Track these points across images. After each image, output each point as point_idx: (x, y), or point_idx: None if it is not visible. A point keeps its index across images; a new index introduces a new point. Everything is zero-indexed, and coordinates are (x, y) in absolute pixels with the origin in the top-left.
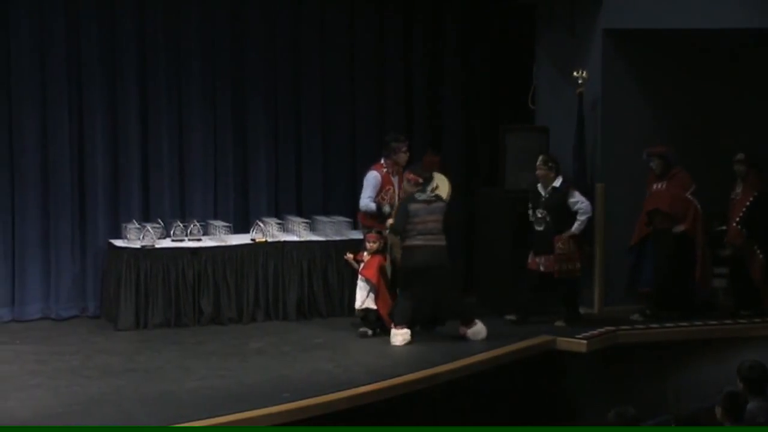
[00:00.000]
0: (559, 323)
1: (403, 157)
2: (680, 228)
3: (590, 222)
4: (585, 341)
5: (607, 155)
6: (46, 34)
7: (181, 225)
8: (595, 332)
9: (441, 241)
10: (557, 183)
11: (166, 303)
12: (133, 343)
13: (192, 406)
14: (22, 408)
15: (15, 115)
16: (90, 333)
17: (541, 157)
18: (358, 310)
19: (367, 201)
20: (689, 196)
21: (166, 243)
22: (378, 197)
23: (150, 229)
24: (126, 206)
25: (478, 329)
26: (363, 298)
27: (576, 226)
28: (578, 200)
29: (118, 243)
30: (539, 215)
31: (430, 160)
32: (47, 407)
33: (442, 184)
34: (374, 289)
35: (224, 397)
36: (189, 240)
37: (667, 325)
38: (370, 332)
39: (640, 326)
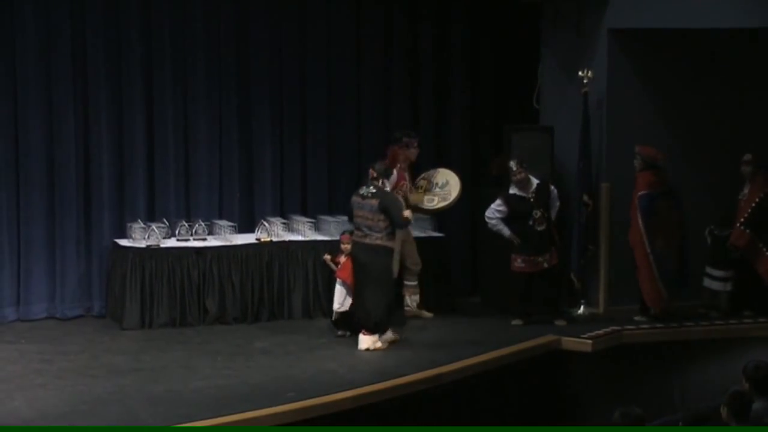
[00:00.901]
0: (560, 322)
1: (414, 153)
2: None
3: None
4: (590, 341)
5: (612, 155)
6: (52, 34)
7: (186, 225)
8: (600, 332)
9: (369, 239)
10: (537, 181)
11: (171, 302)
12: (139, 342)
13: (197, 405)
14: (27, 407)
15: (20, 115)
16: (95, 332)
17: (515, 161)
18: (336, 312)
19: None
20: (636, 200)
21: (171, 243)
22: (393, 193)
23: (155, 229)
24: (131, 206)
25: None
26: (341, 300)
27: (555, 214)
28: (554, 189)
29: (124, 243)
30: (536, 216)
31: (395, 152)
32: (52, 407)
33: (452, 181)
34: (350, 291)
35: (229, 397)
36: (194, 240)
37: (672, 324)
38: (348, 334)
39: (645, 326)
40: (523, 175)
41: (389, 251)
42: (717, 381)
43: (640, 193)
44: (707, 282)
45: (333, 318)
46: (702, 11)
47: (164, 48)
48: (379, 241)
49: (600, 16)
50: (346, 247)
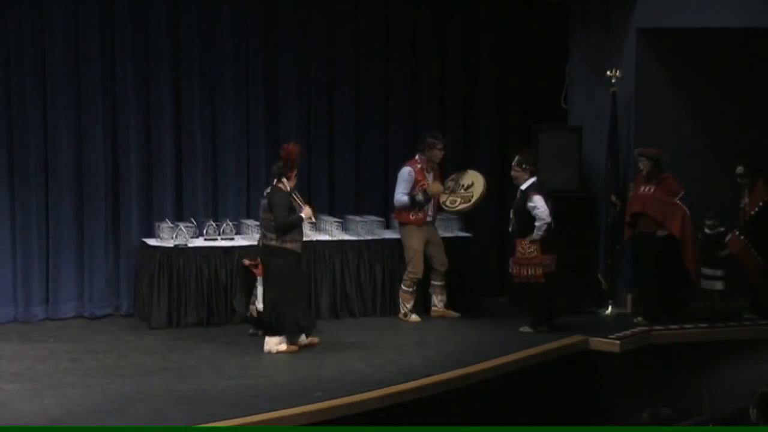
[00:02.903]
0: (523, 329)
1: (437, 154)
2: (664, 232)
3: (550, 228)
4: (618, 341)
5: None
6: (80, 34)
7: (214, 224)
8: (628, 332)
9: (266, 240)
10: (524, 186)
11: (199, 302)
12: (166, 341)
13: (224, 404)
14: (55, 406)
15: (49, 116)
16: (123, 331)
17: (516, 158)
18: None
19: (399, 196)
20: (678, 202)
21: (199, 242)
22: (412, 192)
23: (183, 228)
24: (159, 205)
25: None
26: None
27: (534, 232)
28: (535, 205)
29: (152, 242)
30: (510, 217)
31: (288, 150)
32: (81, 405)
33: (477, 183)
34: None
35: (256, 396)
36: (222, 239)
37: (701, 325)
38: (259, 333)
39: (674, 326)
40: (514, 173)
41: (284, 252)
42: (746, 382)
43: (682, 194)
44: (702, 282)
45: (251, 315)
46: (731, 11)
47: (192, 48)
48: (273, 242)
49: (628, 16)
50: None
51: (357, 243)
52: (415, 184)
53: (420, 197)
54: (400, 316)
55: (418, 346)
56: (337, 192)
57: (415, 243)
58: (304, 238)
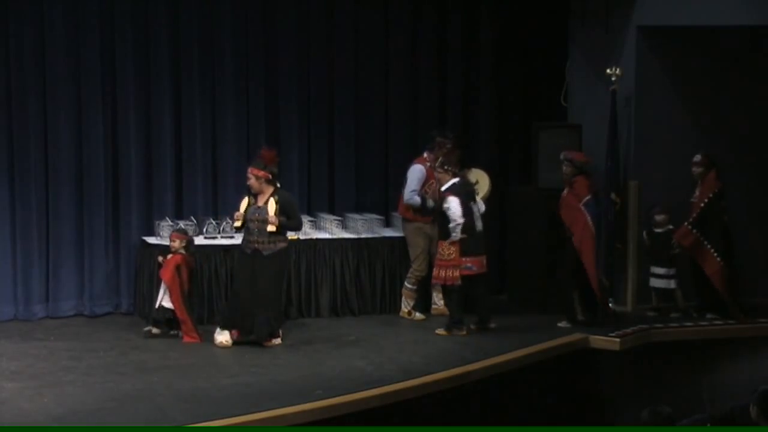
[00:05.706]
0: (439, 330)
1: None
2: (576, 238)
3: (473, 231)
4: (618, 339)
5: (641, 153)
6: (80, 34)
7: (214, 222)
8: (628, 330)
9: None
10: (444, 187)
11: (199, 300)
12: (166, 339)
13: (225, 403)
14: (56, 404)
15: (50, 114)
16: (123, 330)
17: (439, 160)
18: (156, 309)
19: (411, 194)
20: (581, 207)
21: (199, 240)
22: (422, 191)
23: (183, 227)
24: (159, 204)
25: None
26: (161, 296)
27: (451, 234)
28: (449, 206)
29: (151, 240)
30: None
31: (265, 154)
32: (81, 404)
33: (482, 181)
34: (168, 289)
35: (257, 394)
36: (222, 237)
37: (701, 323)
38: (156, 331)
39: (674, 324)
40: (438, 174)
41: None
42: (746, 380)
43: (587, 199)
44: (652, 281)
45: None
46: (731, 9)
47: (192, 47)
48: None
49: (628, 14)
50: (174, 245)
51: (357, 241)
52: (426, 182)
53: (431, 203)
54: (403, 313)
55: (418, 343)
56: (337, 190)
57: (421, 241)
58: (254, 238)
